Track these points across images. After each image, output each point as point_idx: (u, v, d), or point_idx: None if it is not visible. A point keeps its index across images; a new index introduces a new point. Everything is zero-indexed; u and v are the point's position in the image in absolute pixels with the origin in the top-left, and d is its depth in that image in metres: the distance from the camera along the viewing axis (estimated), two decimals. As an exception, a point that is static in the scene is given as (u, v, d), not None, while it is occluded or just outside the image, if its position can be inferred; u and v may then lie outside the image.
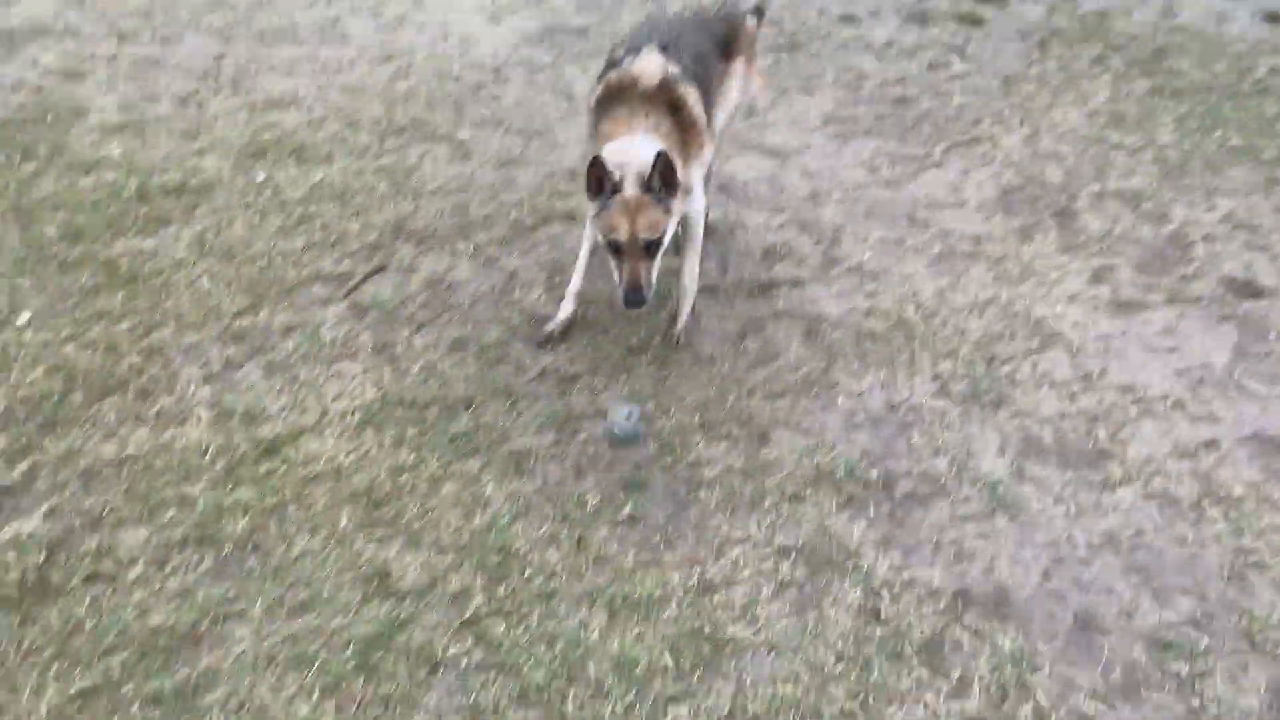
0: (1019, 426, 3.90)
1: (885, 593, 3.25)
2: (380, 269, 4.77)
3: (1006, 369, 4.17)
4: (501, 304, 4.55)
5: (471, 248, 4.92)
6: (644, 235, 3.72)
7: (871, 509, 3.56)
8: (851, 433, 3.87)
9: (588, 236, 4.25)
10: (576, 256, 4.36)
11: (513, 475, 3.66)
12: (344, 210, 5.19)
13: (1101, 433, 3.86)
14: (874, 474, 3.69)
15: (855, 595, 3.24)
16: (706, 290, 4.63)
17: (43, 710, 2.84)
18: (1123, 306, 4.54)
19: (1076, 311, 4.51)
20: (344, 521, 3.44)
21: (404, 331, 4.36)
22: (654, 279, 3.82)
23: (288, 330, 4.35)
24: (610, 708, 2.88)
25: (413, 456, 3.72)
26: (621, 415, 3.82)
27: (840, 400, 4.03)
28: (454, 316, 4.46)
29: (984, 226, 5.13)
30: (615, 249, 3.77)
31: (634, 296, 3.76)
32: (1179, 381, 4.11)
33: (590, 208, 3.83)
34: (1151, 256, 4.88)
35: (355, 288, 4.63)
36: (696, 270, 4.33)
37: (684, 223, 4.09)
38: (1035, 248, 4.95)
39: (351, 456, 3.71)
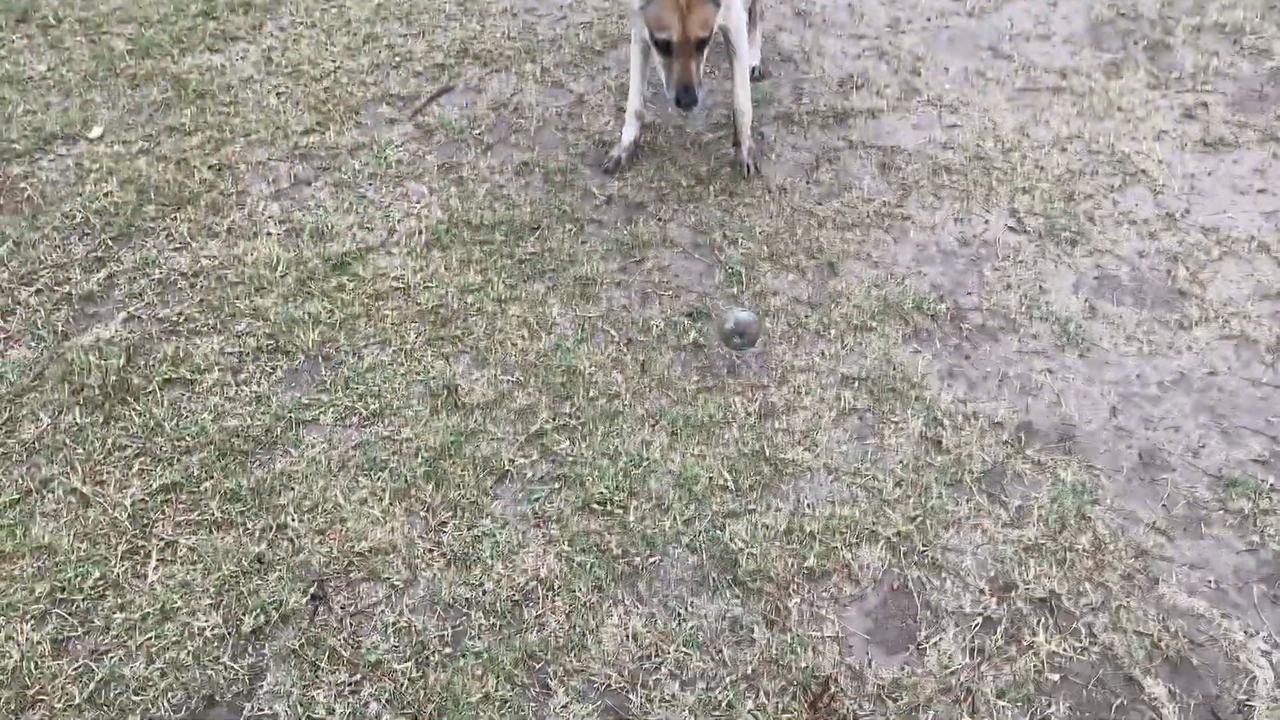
0: (1095, 264, 3.80)
1: (947, 423, 3.24)
2: (446, 90, 4.70)
3: (1086, 206, 4.05)
4: (569, 128, 4.48)
5: (539, 70, 4.82)
6: (696, 33, 3.61)
7: (938, 342, 3.53)
8: (922, 266, 3.81)
9: (636, 43, 4.10)
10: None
11: (578, 299, 3.66)
12: (409, 30, 5.10)
13: (1181, 272, 3.76)
14: (942, 307, 3.64)
15: (917, 424, 3.24)
16: (780, 119, 4.52)
17: (127, 503, 2.97)
18: (1213, 145, 4.36)
19: (1163, 149, 4.34)
20: (412, 337, 3.49)
21: (470, 153, 4.32)
22: (702, 76, 3.73)
23: (355, 149, 4.33)
24: (670, 520, 2.94)
25: (479, 277, 3.73)
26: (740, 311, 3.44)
27: (912, 233, 3.95)
28: (520, 140, 4.41)
29: (1071, 60, 4.91)
30: (665, 48, 3.66)
31: (687, 96, 3.68)
32: (1266, 223, 3.97)
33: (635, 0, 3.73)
34: (1247, 94, 4.65)
35: (422, 108, 4.58)
36: (748, 87, 4.20)
37: (724, 36, 3.95)
38: (1124, 83, 4.74)
39: (419, 275, 3.73)
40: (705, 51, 3.71)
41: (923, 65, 4.86)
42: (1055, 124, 4.49)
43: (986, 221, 3.99)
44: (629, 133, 4.27)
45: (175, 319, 3.55)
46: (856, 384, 3.37)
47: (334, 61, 4.86)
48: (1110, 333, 3.54)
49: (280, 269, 3.73)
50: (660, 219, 4.02)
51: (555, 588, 2.78)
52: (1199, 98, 4.63)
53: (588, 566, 2.82)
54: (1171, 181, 4.17)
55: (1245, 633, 2.70)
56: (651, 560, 2.85)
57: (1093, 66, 4.85)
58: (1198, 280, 3.73)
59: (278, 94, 4.65)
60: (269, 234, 3.90)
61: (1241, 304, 3.64)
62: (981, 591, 2.79)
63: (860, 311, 3.62)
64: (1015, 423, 3.25)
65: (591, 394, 3.32)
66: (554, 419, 3.24)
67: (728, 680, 2.59)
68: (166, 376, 3.35)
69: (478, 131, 4.44)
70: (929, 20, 5.19)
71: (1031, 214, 4.02)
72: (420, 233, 3.91)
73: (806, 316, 3.60)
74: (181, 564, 2.81)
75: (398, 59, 4.89)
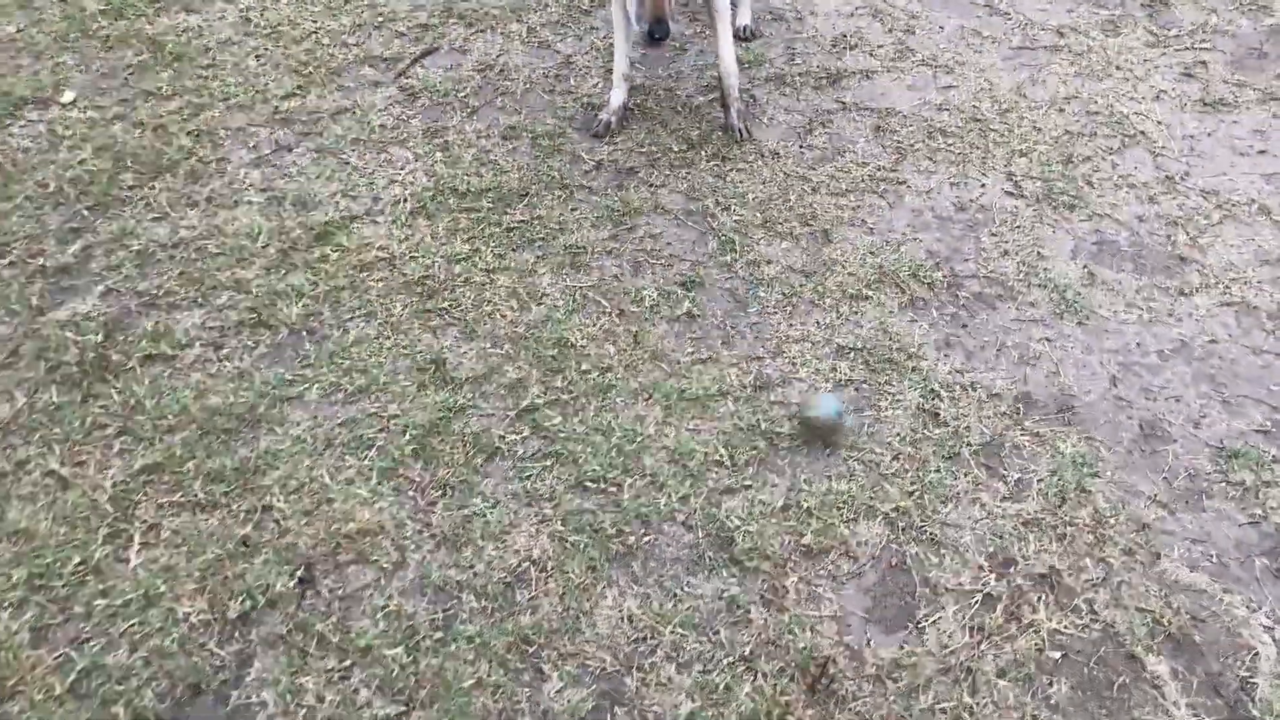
0: (1093, 229, 3.74)
1: (945, 394, 3.19)
2: (431, 51, 4.58)
3: (1084, 169, 3.98)
4: (556, 91, 4.38)
5: (525, 30, 4.70)
6: None
7: (934, 311, 3.46)
8: (918, 232, 3.74)
9: (615, 1, 3.99)
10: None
11: (569, 269, 3.58)
12: (392, -12, 4.97)
13: (1181, 237, 3.70)
14: (939, 275, 3.57)
15: (914, 396, 3.18)
16: (772, 80, 4.42)
17: (108, 485, 2.89)
18: (1212, 105, 4.29)
19: (1162, 110, 4.27)
20: (399, 309, 3.40)
21: (456, 117, 4.22)
22: (675, 10, 3.62)
23: (337, 114, 4.22)
24: (665, 498, 2.88)
25: (467, 247, 3.64)
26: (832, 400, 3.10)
27: (908, 198, 3.87)
28: (507, 103, 4.30)
29: (1068, 17, 4.82)
30: None
31: (659, 30, 3.55)
32: (1267, 186, 3.91)
33: None
34: (1247, 52, 4.57)
35: (405, 70, 4.46)
36: (732, 46, 4.10)
37: None
38: (1122, 41, 4.65)
39: (405, 245, 3.64)
40: None
41: (917, 24, 4.76)
42: (1053, 84, 4.41)
43: (983, 185, 3.92)
44: (617, 96, 4.17)
45: (155, 292, 3.46)
46: (852, 354, 3.31)
47: (314, 22, 4.73)
48: (1109, 300, 3.49)
49: (262, 239, 3.64)
50: (651, 185, 3.93)
51: (548, 569, 2.72)
52: (1198, 56, 4.55)
53: (581, 546, 2.77)
54: (1171, 143, 4.10)
55: (1247, 608, 2.66)
56: (646, 539, 2.80)
57: (1091, 24, 4.76)
58: (1198, 245, 3.67)
59: (257, 56, 4.52)
60: (250, 203, 3.79)
61: (1242, 269, 3.58)
62: (981, 568, 2.75)
63: (855, 280, 3.55)
64: (1013, 393, 3.20)
65: (583, 367, 3.25)
66: (545, 393, 3.17)
67: (725, 662, 2.54)
68: (146, 352, 3.26)
69: (463, 94, 4.33)
70: (923, -24, 5.08)
71: (1029, 177, 3.95)
72: (405, 200, 3.82)
73: (801, 285, 3.53)
74: (165, 547, 2.74)
75: (380, 19, 4.76)
